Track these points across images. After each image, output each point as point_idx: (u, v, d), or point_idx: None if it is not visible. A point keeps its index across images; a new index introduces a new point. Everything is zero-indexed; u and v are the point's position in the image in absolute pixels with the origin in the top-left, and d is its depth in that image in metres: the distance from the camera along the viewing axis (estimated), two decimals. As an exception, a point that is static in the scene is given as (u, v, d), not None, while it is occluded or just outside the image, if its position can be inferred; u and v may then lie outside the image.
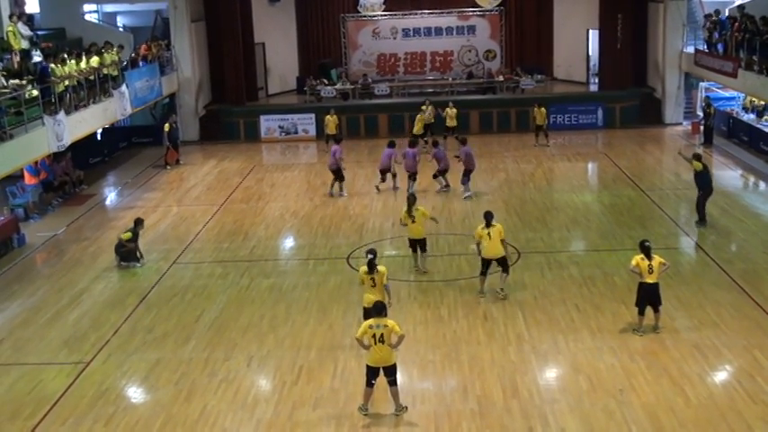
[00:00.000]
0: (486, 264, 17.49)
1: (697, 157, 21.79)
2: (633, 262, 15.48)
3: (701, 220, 21.71)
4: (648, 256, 15.36)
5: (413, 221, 18.77)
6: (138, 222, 20.93)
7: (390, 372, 12.86)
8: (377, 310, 12.98)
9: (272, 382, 14.33)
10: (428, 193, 25.71)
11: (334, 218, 23.98)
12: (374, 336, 12.73)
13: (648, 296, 15.43)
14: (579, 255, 20.53)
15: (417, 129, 31.14)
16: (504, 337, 15.69)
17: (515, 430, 12.44)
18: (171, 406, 13.61)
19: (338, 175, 26.30)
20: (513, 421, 12.69)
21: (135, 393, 14.36)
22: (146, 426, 13.03)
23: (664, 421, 12.49)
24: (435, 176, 26.20)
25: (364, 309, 14.83)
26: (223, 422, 13.05)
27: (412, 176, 25.78)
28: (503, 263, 17.50)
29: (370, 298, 14.56)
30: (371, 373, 12.89)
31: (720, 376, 14.11)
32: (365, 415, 12.98)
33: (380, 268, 14.93)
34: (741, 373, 13.95)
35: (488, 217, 17.44)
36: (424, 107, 31.90)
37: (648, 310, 15.52)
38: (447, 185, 26.22)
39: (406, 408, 13.05)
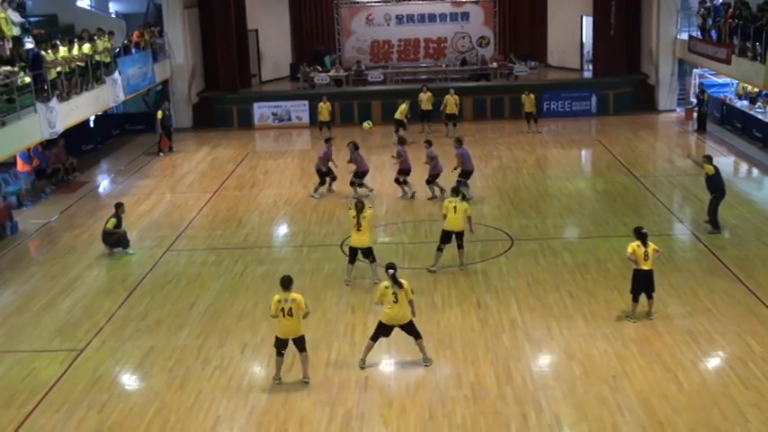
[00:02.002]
0: (446, 237, 18.14)
1: (708, 160, 20.67)
2: (629, 249, 15.44)
3: (715, 225, 20.31)
4: (645, 243, 15.36)
5: (358, 229, 17.61)
6: (119, 206, 20.79)
7: (299, 341, 13.60)
8: (284, 284, 13.52)
9: (265, 369, 14.33)
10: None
11: (328, 205, 23.96)
12: (282, 309, 13.36)
13: (644, 283, 15.45)
14: (573, 241, 20.56)
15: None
16: (498, 323, 15.72)
17: (509, 416, 12.47)
18: (165, 393, 13.62)
19: (323, 176, 24.90)
20: (506, 407, 12.72)
21: (129, 380, 14.36)
22: (140, 413, 13.04)
23: (656, 407, 12.53)
24: (428, 182, 24.10)
25: (380, 323, 14.05)
26: (217, 409, 13.06)
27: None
28: (460, 237, 18.18)
29: (392, 314, 13.84)
30: (281, 344, 13.61)
31: (713, 362, 14.16)
32: (278, 384, 13.62)
33: (404, 282, 13.90)
34: (734, 360, 14.00)
35: (456, 192, 18.42)
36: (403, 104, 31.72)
37: (642, 297, 15.55)
38: (409, 193, 24.35)
39: (308, 381, 13.68)
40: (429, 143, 24.58)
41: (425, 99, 32.17)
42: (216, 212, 23.86)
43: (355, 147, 24.58)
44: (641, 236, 15.45)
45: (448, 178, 23.38)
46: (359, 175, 24.66)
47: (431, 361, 14.17)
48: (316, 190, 24.95)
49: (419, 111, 32.23)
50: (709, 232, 20.33)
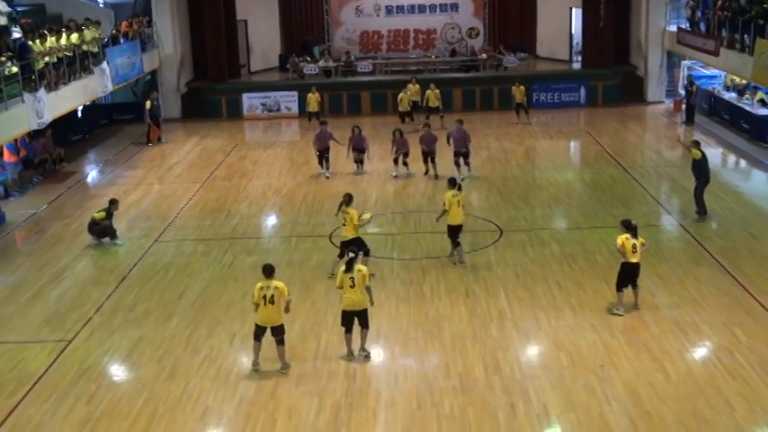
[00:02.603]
0: (454, 231, 18.04)
1: (696, 145, 20.88)
2: (619, 242, 15.42)
3: (702, 211, 20.66)
4: (634, 236, 15.39)
5: (343, 224, 17.37)
6: (113, 203, 20.72)
7: (277, 331, 13.67)
8: (266, 272, 13.62)
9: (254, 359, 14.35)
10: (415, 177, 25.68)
11: (317, 195, 23.96)
12: (264, 296, 13.46)
13: (631, 276, 15.49)
14: (561, 232, 20.62)
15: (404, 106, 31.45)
16: (486, 314, 15.76)
17: (497, 406, 12.52)
18: (153, 383, 13.62)
19: (321, 157, 25.83)
20: (494, 397, 12.77)
21: (117, 371, 14.36)
22: (128, 403, 13.03)
23: (643, 397, 12.60)
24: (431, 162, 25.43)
25: (343, 311, 14.12)
26: (206, 399, 13.07)
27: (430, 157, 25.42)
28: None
29: (353, 298, 13.93)
30: (259, 331, 13.72)
31: (700, 352, 14.24)
32: (256, 371, 13.76)
33: (361, 268, 14.04)
34: (720, 350, 14.08)
35: (454, 183, 18.30)
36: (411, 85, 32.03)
37: (628, 289, 15.60)
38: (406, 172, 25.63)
39: (290, 365, 13.84)
40: (428, 126, 25.94)
41: (414, 91, 32.14)
42: (205, 203, 23.83)
43: (401, 133, 25.63)
44: (631, 228, 15.45)
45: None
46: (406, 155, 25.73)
47: (368, 352, 14.15)
48: (328, 168, 25.95)
49: (410, 103, 32.17)
50: (696, 220, 20.51)
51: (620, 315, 15.34)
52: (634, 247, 15.31)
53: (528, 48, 40.09)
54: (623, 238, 15.36)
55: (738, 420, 11.95)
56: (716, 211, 21.21)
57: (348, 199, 17.53)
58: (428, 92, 31.69)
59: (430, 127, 25.80)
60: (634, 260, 15.36)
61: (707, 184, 20.77)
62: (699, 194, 20.72)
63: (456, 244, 18.16)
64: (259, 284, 13.62)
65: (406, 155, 25.55)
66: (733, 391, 12.68)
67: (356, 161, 26.12)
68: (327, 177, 25.67)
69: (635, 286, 15.62)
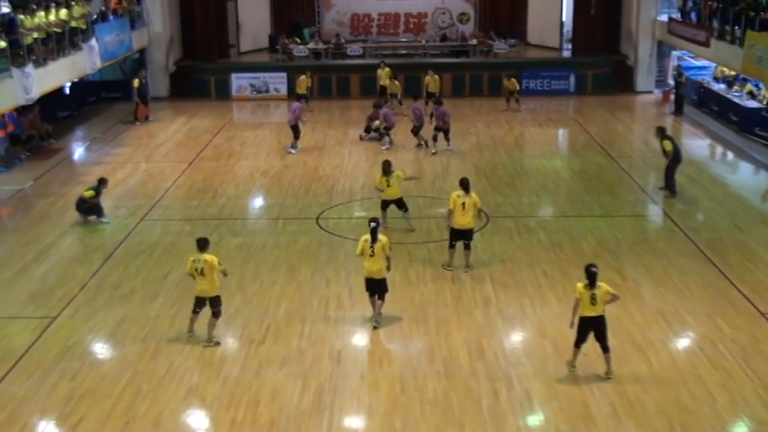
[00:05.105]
0: (455, 234, 17.04)
1: (662, 133, 21.98)
2: (576, 292, 12.87)
3: (672, 190, 21.67)
4: (593, 284, 12.75)
5: (388, 185, 18.83)
6: (102, 182, 20.64)
7: (213, 303, 14.11)
8: (199, 245, 14.17)
9: (239, 340, 14.36)
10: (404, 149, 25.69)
11: (305, 178, 23.92)
12: (195, 269, 13.98)
13: (595, 332, 12.90)
14: (548, 220, 20.66)
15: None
16: (472, 300, 15.80)
17: (480, 392, 12.56)
18: (137, 362, 13.61)
19: (296, 131, 26.63)
20: (478, 383, 12.82)
21: (101, 349, 14.34)
22: (112, 382, 13.02)
23: (626, 386, 12.66)
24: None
25: (365, 279, 14.66)
26: (190, 379, 13.07)
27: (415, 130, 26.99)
28: (469, 236, 17.12)
29: (369, 268, 14.46)
30: (197, 302, 14.24)
31: (683, 343, 14.33)
32: (191, 337, 14.32)
33: (382, 238, 14.50)
34: (703, 341, 14.16)
35: (466, 184, 16.92)
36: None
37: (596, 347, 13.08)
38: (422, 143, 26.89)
39: (218, 342, 14.16)
40: (415, 98, 27.68)
41: (383, 75, 32.10)
42: (191, 183, 23.75)
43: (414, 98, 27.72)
44: (590, 275, 12.73)
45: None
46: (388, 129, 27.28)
47: (379, 324, 14.60)
48: (293, 146, 26.60)
49: (378, 86, 32.33)
50: (666, 196, 21.47)
51: (572, 370, 13.21)
52: (593, 297, 12.73)
53: (518, 34, 40.06)
54: (579, 287, 12.84)
55: (720, 411, 12.03)
56: (702, 203, 21.35)
57: (389, 165, 18.92)
58: (427, 78, 31.65)
59: (441, 103, 26.51)
60: (592, 314, 12.78)
61: (679, 163, 21.69)
62: (671, 173, 21.65)
63: (460, 247, 17.21)
64: (192, 257, 14.12)
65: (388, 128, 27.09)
66: (715, 382, 12.76)
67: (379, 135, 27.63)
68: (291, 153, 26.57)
69: (605, 349, 12.96)
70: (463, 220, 16.83)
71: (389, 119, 27.27)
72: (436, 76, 31.75)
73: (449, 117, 26.09)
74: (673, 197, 21.49)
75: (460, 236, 17.02)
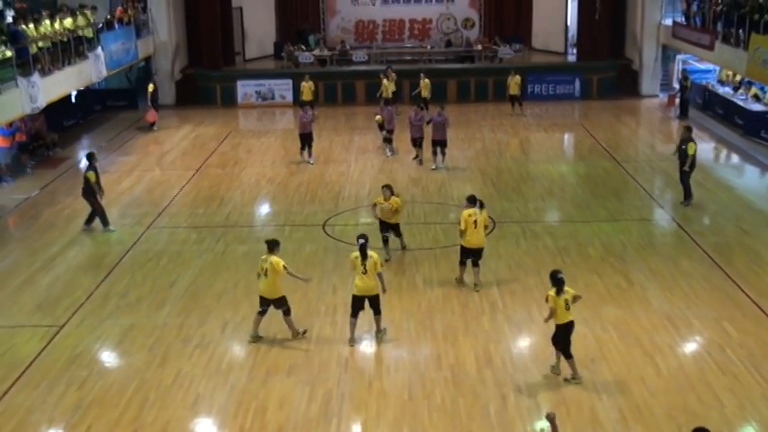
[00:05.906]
0: (466, 253, 16.54)
1: (689, 132, 21.45)
2: (550, 301, 12.94)
3: (690, 195, 21.35)
4: (562, 290, 12.84)
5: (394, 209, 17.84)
6: (91, 156, 20.62)
7: (277, 304, 14.31)
8: (268, 246, 14.23)
9: (246, 348, 14.36)
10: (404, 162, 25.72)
11: (311, 185, 23.93)
12: (262, 268, 14.16)
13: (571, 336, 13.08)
14: (554, 225, 20.64)
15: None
16: (479, 306, 15.78)
17: (488, 398, 12.55)
18: (145, 371, 13.63)
19: (309, 139, 26.16)
20: (485, 389, 12.80)
21: (108, 358, 14.35)
22: (119, 390, 13.03)
23: (634, 391, 12.64)
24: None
25: (353, 296, 14.28)
26: (197, 387, 13.08)
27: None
28: (479, 254, 16.57)
29: (361, 285, 14.12)
30: (261, 302, 14.41)
31: (690, 347, 14.29)
32: (252, 342, 14.40)
33: (373, 254, 14.14)
34: (711, 345, 14.13)
35: (474, 200, 16.45)
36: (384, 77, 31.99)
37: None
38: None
39: (301, 332, 14.55)
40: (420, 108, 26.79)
41: (389, 85, 31.92)
42: (198, 190, 23.78)
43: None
44: (557, 281, 12.85)
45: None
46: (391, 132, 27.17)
47: (383, 332, 14.55)
48: (310, 155, 26.23)
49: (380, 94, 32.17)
50: (685, 205, 21.18)
51: (556, 375, 13.26)
52: (566, 303, 12.89)
53: (523, 39, 40.00)
54: (551, 294, 12.92)
55: (728, 416, 12.00)
56: (709, 207, 21.29)
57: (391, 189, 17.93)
58: (423, 82, 31.60)
59: (443, 108, 25.69)
60: (567, 319, 12.94)
61: (694, 169, 21.37)
62: (687, 179, 21.27)
63: (462, 263, 16.75)
64: (262, 257, 14.21)
65: (390, 131, 26.95)
66: (723, 387, 12.73)
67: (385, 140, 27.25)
68: (311, 164, 26.04)
69: (567, 356, 13.05)
70: (476, 240, 16.33)
71: (392, 120, 26.95)
72: (427, 80, 31.66)
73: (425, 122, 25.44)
74: (690, 203, 21.19)
75: (472, 254, 16.53)
